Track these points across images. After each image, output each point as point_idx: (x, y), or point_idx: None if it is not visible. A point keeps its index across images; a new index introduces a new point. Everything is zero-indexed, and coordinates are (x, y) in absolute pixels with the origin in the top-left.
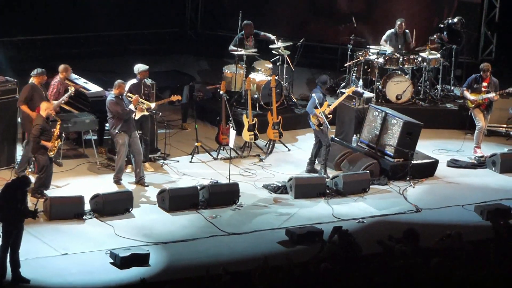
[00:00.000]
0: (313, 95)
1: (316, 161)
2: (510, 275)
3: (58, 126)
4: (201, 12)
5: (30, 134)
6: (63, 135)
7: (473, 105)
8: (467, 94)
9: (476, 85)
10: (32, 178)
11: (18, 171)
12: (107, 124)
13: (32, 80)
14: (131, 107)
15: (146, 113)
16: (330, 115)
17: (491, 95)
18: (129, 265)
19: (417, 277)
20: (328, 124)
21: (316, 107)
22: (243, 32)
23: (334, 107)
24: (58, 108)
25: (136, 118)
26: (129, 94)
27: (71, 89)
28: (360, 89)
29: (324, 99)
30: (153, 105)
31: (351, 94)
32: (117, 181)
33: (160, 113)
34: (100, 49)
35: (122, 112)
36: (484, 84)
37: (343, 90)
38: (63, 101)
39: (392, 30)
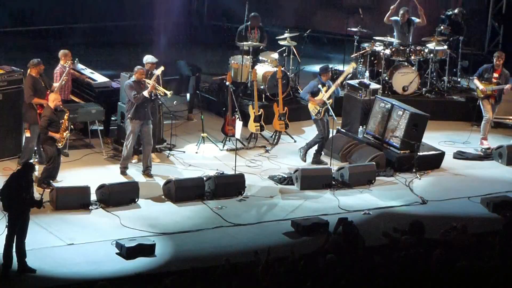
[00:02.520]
0: (310, 83)
1: (322, 153)
2: None
3: (66, 117)
4: (207, 2)
5: (38, 125)
6: (71, 126)
7: (482, 95)
8: (477, 82)
9: (487, 75)
10: (38, 168)
11: (21, 162)
12: (113, 115)
13: (30, 71)
14: (145, 93)
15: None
16: (330, 100)
17: (506, 86)
18: (135, 255)
19: (420, 268)
20: (334, 116)
21: (311, 94)
22: (247, 23)
23: (332, 92)
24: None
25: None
26: (147, 81)
27: (68, 64)
28: (366, 81)
29: (319, 89)
30: (169, 92)
31: (356, 86)
32: (123, 169)
33: (161, 102)
34: (106, 40)
35: (134, 97)
36: (495, 75)
37: (350, 82)
38: (63, 82)
39: (397, 18)
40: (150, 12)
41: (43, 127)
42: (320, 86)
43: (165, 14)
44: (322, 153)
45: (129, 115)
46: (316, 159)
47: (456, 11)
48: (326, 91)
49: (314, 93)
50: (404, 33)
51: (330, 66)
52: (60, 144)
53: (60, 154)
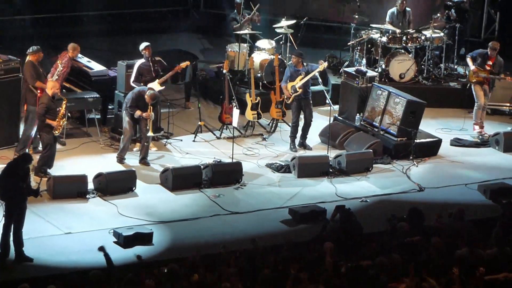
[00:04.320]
0: (287, 68)
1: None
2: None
3: (64, 105)
4: None
5: (35, 111)
6: (68, 114)
7: (474, 80)
8: (470, 63)
9: (480, 61)
10: (35, 157)
11: (18, 150)
12: (110, 103)
13: (29, 58)
14: (137, 112)
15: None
16: (300, 89)
17: (505, 77)
18: (132, 244)
19: (418, 255)
20: (331, 103)
21: (286, 81)
22: (235, 10)
23: (305, 81)
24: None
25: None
26: (145, 114)
27: (60, 65)
28: (363, 68)
29: (298, 73)
30: (152, 115)
31: (353, 73)
32: (120, 159)
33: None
34: (102, 28)
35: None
36: (489, 62)
37: (347, 69)
38: (58, 75)
39: (393, 10)
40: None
41: (41, 114)
42: (294, 70)
43: (162, 2)
44: (319, 140)
45: (128, 104)
46: (301, 143)
47: None
48: (300, 79)
49: (292, 76)
50: (399, 22)
51: (329, 53)
52: (57, 132)
53: (56, 142)
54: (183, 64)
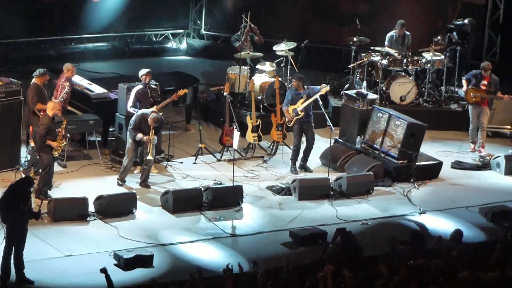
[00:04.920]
0: (288, 91)
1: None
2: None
3: (63, 126)
4: (205, 13)
5: (36, 132)
6: (68, 136)
7: (471, 101)
8: (464, 84)
9: (475, 81)
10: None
11: (26, 171)
12: (111, 126)
13: (35, 80)
14: (139, 135)
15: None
16: (302, 113)
17: (502, 96)
18: (133, 266)
19: (420, 278)
20: (332, 126)
21: (288, 104)
22: (239, 33)
23: (307, 105)
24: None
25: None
26: (146, 138)
27: (67, 85)
28: (364, 91)
29: (299, 96)
30: (155, 139)
31: (354, 96)
32: (121, 181)
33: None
34: (103, 50)
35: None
36: (484, 82)
37: (347, 92)
38: (62, 99)
39: (392, 33)
40: (150, 23)
41: (42, 135)
42: (295, 93)
43: (165, 25)
44: (320, 162)
45: (131, 127)
46: (302, 165)
47: (466, 21)
48: (302, 103)
49: (293, 100)
50: (398, 46)
51: (329, 76)
52: (56, 153)
53: (54, 163)
54: (181, 92)
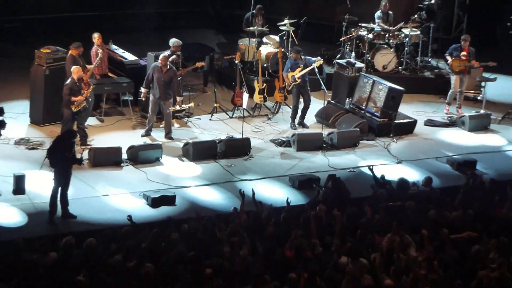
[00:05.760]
0: (287, 60)
1: (306, 117)
2: (476, 217)
3: (89, 90)
4: None
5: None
6: (89, 98)
7: (457, 70)
8: (448, 57)
9: (456, 53)
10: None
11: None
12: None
13: (71, 52)
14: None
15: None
16: (299, 79)
17: (474, 63)
18: (158, 205)
19: (397, 218)
20: (325, 89)
21: (287, 71)
22: (253, 12)
23: (303, 73)
24: (95, 70)
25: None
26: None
27: (100, 52)
28: (352, 60)
29: (297, 65)
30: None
31: (344, 64)
32: (146, 132)
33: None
34: (138, 25)
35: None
36: (464, 53)
37: (339, 61)
38: (96, 64)
39: (378, 13)
40: (170, 0)
41: (65, 94)
42: (294, 63)
43: (183, 3)
44: (315, 120)
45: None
46: (300, 122)
47: (432, 1)
48: (299, 71)
49: (292, 68)
50: (383, 22)
51: (322, 49)
52: (74, 108)
53: (74, 121)
54: (199, 64)
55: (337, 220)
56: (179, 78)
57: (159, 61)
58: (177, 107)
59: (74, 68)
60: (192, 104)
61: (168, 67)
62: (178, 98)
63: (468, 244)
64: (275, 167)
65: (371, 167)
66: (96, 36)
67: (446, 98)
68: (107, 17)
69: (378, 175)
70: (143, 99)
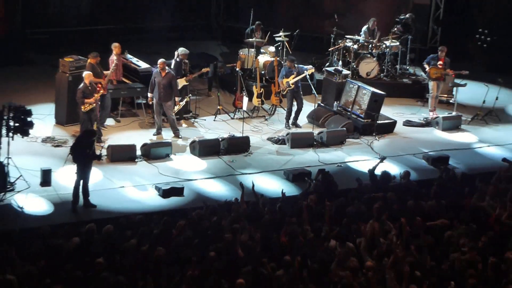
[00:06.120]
0: (282, 68)
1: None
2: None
3: (99, 94)
4: (223, 8)
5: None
6: (98, 102)
7: (434, 77)
8: (427, 66)
9: (433, 62)
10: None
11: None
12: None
13: (90, 60)
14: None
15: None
16: (293, 85)
17: (448, 72)
18: (169, 195)
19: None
20: (316, 94)
21: (282, 77)
22: (253, 27)
23: (296, 80)
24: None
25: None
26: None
27: (115, 60)
28: (339, 68)
29: (291, 72)
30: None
31: (332, 71)
32: (156, 131)
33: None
34: (150, 36)
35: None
36: (440, 62)
37: (327, 68)
38: (112, 70)
39: (365, 28)
40: (179, 15)
41: (78, 96)
42: (288, 70)
43: (190, 17)
44: (307, 120)
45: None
46: (293, 123)
47: (407, 16)
48: (293, 78)
49: (287, 75)
50: (368, 36)
51: (313, 58)
52: (83, 108)
53: (91, 121)
54: (205, 70)
55: (327, 209)
56: (187, 84)
57: (158, 65)
58: (176, 108)
59: (85, 74)
60: (187, 98)
61: (166, 71)
62: (176, 99)
63: (441, 230)
64: (271, 162)
65: (382, 160)
66: (116, 46)
67: (428, 105)
68: (123, 29)
69: (372, 170)
70: (150, 103)
